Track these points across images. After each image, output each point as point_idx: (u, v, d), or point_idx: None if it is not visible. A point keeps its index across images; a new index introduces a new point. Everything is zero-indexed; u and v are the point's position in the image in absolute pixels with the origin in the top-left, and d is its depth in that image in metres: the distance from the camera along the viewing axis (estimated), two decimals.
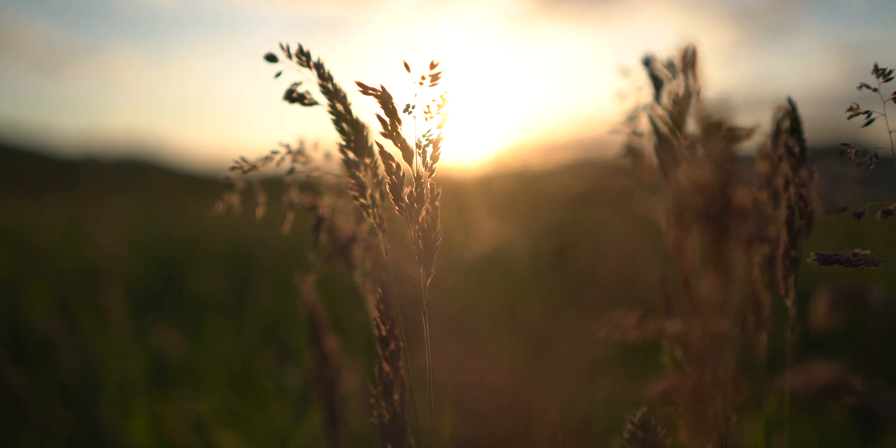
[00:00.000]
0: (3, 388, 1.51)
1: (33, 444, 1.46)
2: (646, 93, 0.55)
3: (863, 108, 0.46)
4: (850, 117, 0.44)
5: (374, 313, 0.50)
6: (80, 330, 1.90)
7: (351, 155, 0.50)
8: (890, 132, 0.43)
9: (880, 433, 1.29)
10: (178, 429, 1.42)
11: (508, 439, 0.38)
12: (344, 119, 0.50)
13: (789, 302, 0.55)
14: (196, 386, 1.67)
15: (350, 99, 0.51)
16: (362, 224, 0.69)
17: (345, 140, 0.50)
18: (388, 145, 0.49)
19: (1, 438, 1.49)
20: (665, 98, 0.51)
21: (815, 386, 0.43)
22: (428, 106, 0.47)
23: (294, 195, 0.65)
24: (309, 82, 0.51)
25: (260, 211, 0.62)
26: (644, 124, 0.62)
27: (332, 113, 0.50)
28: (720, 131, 0.39)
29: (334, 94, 0.50)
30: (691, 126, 0.50)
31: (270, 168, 0.58)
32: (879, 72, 0.44)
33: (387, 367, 0.50)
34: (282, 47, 0.50)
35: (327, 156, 0.64)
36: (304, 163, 0.59)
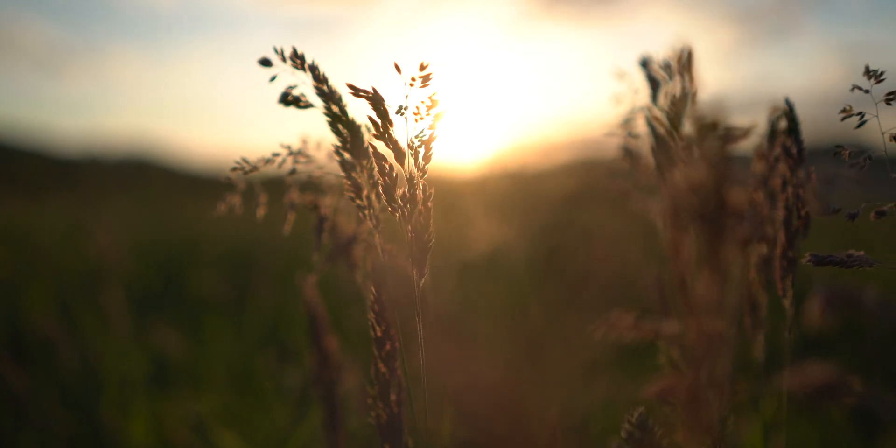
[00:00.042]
0: (4, 388, 1.52)
1: (33, 444, 1.46)
2: (642, 95, 0.55)
3: (861, 110, 0.46)
4: (843, 118, 0.44)
5: (370, 314, 0.50)
6: (80, 330, 1.90)
7: (347, 156, 0.50)
8: (882, 133, 0.43)
9: (880, 434, 1.29)
10: (179, 429, 1.42)
11: (506, 439, 0.38)
12: (339, 121, 0.50)
13: (787, 302, 0.55)
14: (196, 386, 1.68)
15: (346, 101, 0.51)
16: (364, 224, 0.69)
17: (340, 142, 0.50)
18: (382, 146, 0.49)
19: (1, 438, 1.49)
20: (662, 99, 0.51)
21: (811, 386, 0.43)
22: (418, 107, 0.47)
23: (295, 195, 0.65)
24: (304, 85, 0.51)
25: (261, 211, 0.62)
26: (641, 126, 0.62)
27: (327, 115, 0.51)
28: (716, 132, 0.39)
29: (329, 96, 0.50)
30: (688, 127, 0.50)
31: (272, 169, 0.58)
32: (871, 73, 0.44)
33: (383, 368, 0.50)
34: (276, 51, 0.50)
35: (331, 155, 0.64)
36: (306, 163, 0.59)
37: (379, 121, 0.48)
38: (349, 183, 0.50)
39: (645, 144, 0.62)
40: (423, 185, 0.48)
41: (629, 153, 0.63)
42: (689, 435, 0.41)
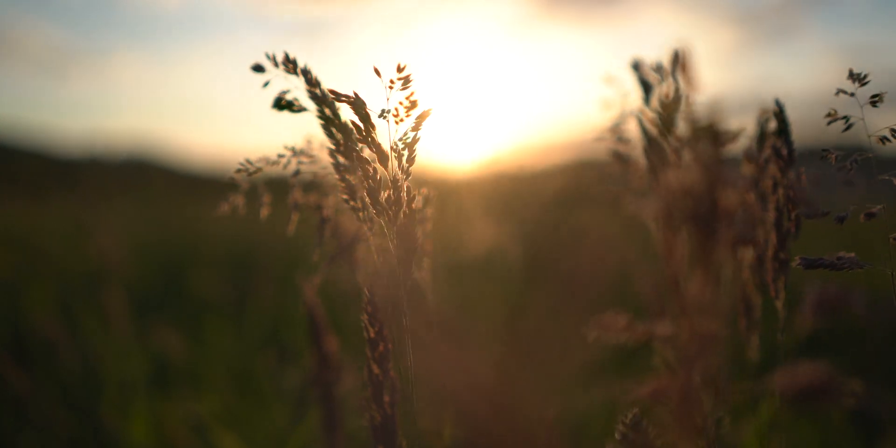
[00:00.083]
0: (5, 389, 1.52)
1: (34, 445, 1.47)
2: (634, 97, 0.55)
3: (853, 112, 0.47)
4: (829, 123, 0.45)
5: (363, 315, 0.50)
6: (81, 331, 1.90)
7: (341, 159, 0.51)
8: (869, 136, 0.44)
9: (880, 435, 1.28)
10: (179, 429, 1.42)
11: (502, 441, 0.38)
12: (333, 124, 0.51)
13: (779, 304, 0.55)
14: (196, 387, 1.68)
15: (339, 104, 0.52)
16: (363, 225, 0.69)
17: (334, 144, 0.51)
18: (367, 150, 0.49)
19: (2, 439, 1.49)
20: (654, 101, 0.51)
21: (803, 387, 0.43)
22: (397, 109, 0.48)
23: (298, 196, 0.65)
24: (298, 89, 0.52)
25: (264, 212, 0.63)
26: (633, 129, 0.62)
27: (320, 118, 0.51)
28: (709, 134, 0.39)
29: (322, 100, 0.51)
30: (681, 129, 0.50)
31: (275, 169, 0.58)
32: (855, 77, 0.44)
33: (376, 369, 0.50)
34: (268, 57, 0.50)
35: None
36: (310, 163, 0.59)
37: (361, 124, 0.48)
38: (343, 185, 0.51)
39: (636, 147, 0.62)
40: (407, 187, 0.48)
41: (620, 157, 0.63)
42: (680, 436, 0.41)
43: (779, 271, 0.54)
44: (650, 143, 0.50)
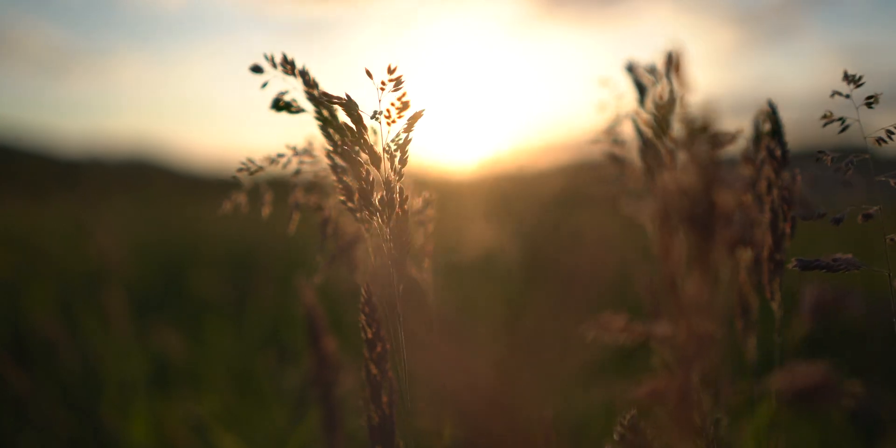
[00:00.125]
0: (5, 389, 1.52)
1: (34, 445, 1.47)
2: (630, 99, 0.55)
3: (849, 114, 0.47)
4: (825, 125, 0.45)
5: (360, 316, 0.50)
6: (81, 331, 1.91)
7: (338, 160, 0.51)
8: (864, 138, 0.44)
9: (880, 435, 1.28)
10: (179, 430, 1.43)
11: (501, 441, 0.38)
12: (330, 125, 0.51)
13: (775, 305, 0.55)
14: (196, 387, 1.68)
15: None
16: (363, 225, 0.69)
17: (331, 145, 0.51)
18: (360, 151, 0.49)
19: (2, 439, 1.49)
20: (648, 103, 0.51)
21: (800, 387, 0.44)
22: (388, 110, 0.48)
23: (300, 196, 0.65)
24: (296, 90, 0.52)
25: (265, 211, 0.63)
26: (627, 132, 0.62)
27: (318, 119, 0.51)
28: (704, 135, 0.39)
29: (319, 101, 0.51)
30: (676, 130, 0.50)
31: (276, 169, 0.59)
32: (849, 78, 0.44)
33: (374, 370, 0.50)
34: (266, 58, 0.51)
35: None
36: (311, 163, 0.59)
37: (353, 126, 0.48)
38: (340, 186, 0.51)
39: (632, 149, 0.62)
40: (399, 188, 0.49)
41: (615, 159, 0.63)
42: (677, 436, 0.41)
43: (774, 272, 0.54)
44: (645, 144, 0.50)
